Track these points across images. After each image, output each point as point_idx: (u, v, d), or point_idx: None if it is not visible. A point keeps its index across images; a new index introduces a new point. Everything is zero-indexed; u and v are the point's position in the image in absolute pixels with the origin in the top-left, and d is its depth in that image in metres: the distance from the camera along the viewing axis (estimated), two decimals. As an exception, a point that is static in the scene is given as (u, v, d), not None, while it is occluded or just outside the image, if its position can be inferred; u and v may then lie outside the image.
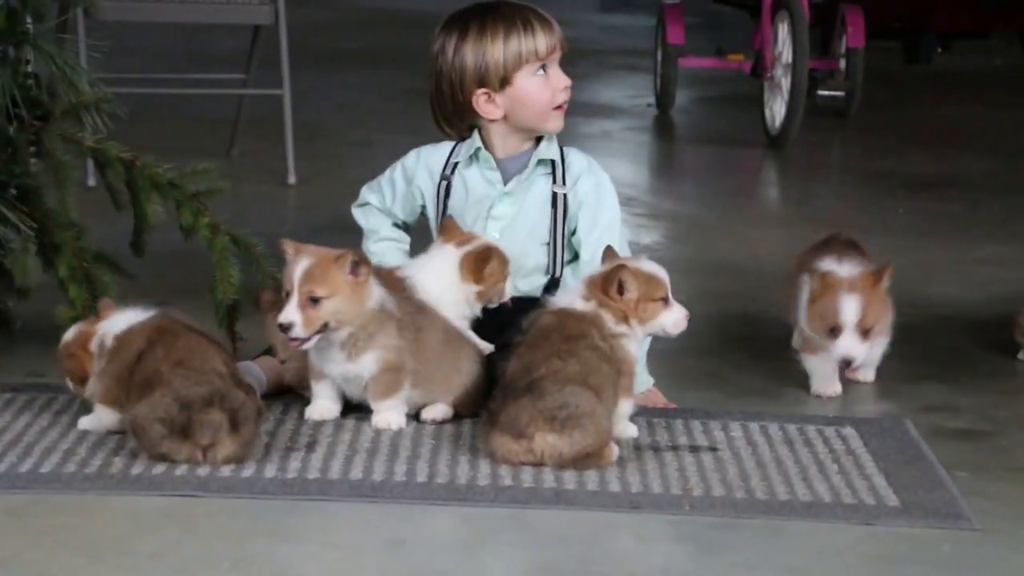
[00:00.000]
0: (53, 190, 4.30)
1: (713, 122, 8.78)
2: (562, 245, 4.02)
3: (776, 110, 7.77)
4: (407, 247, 4.17)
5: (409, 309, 3.77)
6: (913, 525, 3.32)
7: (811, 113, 7.92)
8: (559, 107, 4.01)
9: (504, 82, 3.97)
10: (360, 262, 3.65)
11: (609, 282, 3.65)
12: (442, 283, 3.88)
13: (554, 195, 4.01)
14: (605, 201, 4.03)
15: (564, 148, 4.07)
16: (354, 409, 3.79)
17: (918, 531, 3.30)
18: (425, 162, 4.10)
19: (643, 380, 3.96)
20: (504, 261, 3.91)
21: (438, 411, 3.80)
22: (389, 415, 3.73)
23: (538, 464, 3.51)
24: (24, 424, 3.71)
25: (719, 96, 9.35)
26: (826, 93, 8.51)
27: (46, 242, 4.29)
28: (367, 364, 3.70)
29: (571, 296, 3.73)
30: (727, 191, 7.04)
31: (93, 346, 3.66)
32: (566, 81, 4.02)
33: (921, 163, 7.58)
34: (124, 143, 4.33)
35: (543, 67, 3.98)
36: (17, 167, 4.29)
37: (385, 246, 4.13)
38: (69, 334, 3.72)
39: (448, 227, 3.97)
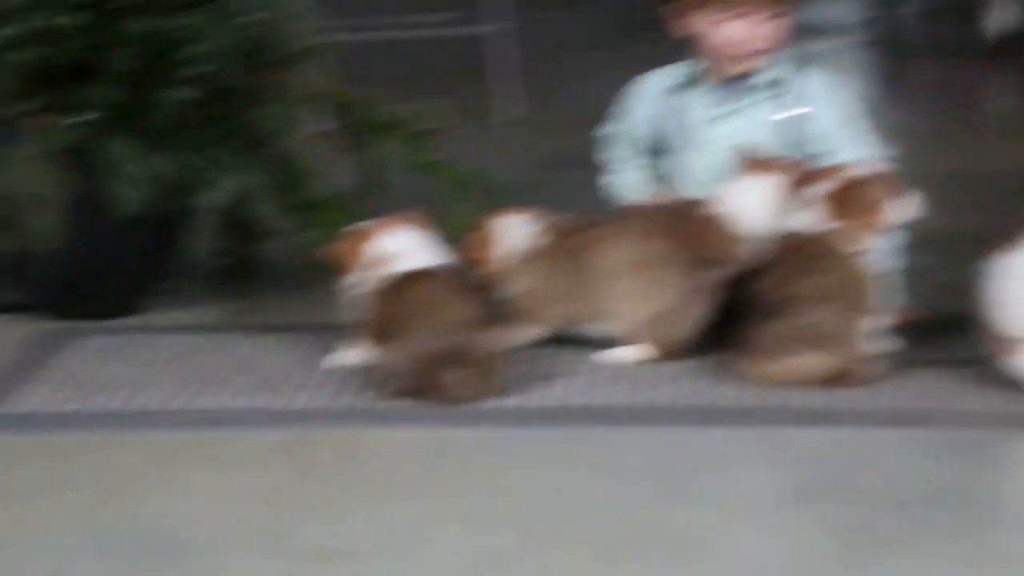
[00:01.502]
0: (282, 138, 4.36)
1: (936, 33, 8.55)
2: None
3: (1001, 17, 7.53)
4: (656, 172, 4.12)
5: None
6: None
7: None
8: (732, 55, 3.94)
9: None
10: None
11: (847, 201, 3.60)
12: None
13: (789, 118, 3.94)
14: (857, 138, 3.93)
15: (801, 71, 3.98)
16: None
17: None
18: (651, 87, 4.07)
19: (896, 297, 3.88)
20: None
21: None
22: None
23: (793, 384, 3.47)
24: (278, 363, 3.77)
25: (941, 7, 9.08)
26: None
27: (282, 187, 4.35)
28: None
29: (810, 215, 3.67)
30: (955, 102, 6.86)
31: (366, 253, 3.64)
32: (737, 37, 3.94)
33: None
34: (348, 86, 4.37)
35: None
36: (246, 115, 4.36)
37: (637, 175, 4.10)
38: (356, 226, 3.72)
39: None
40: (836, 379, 3.48)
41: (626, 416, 3.40)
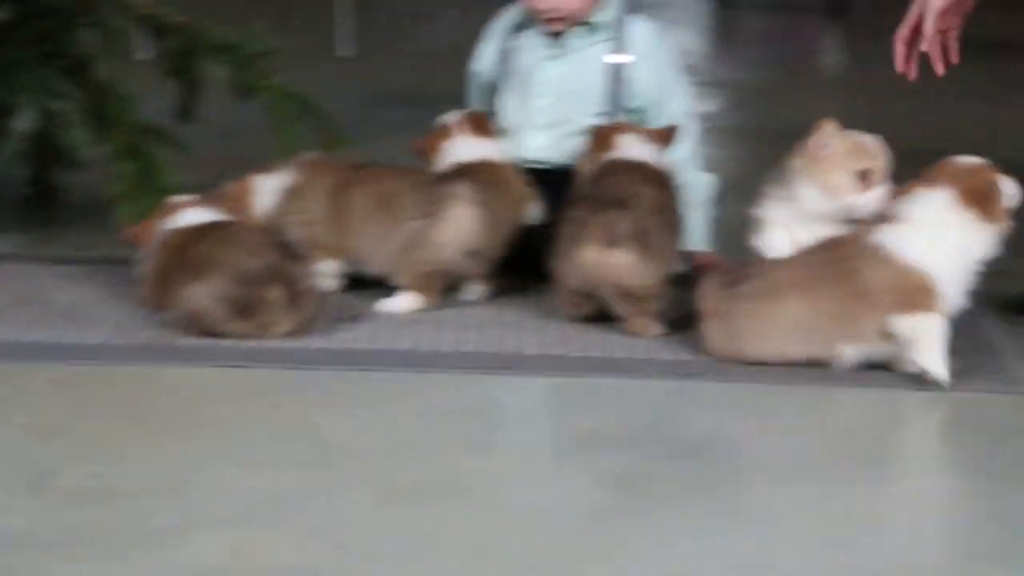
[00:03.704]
0: (104, 62, 4.28)
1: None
2: (620, 117, 3.95)
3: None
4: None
5: None
6: (966, 389, 3.28)
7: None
8: (549, 19, 3.93)
9: None
10: None
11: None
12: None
13: (612, 65, 3.95)
14: (676, 92, 3.96)
15: (630, 16, 3.98)
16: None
17: (972, 395, 3.26)
18: (499, 25, 4.06)
19: (700, 241, 3.96)
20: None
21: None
22: None
23: (609, 281, 3.50)
24: (76, 296, 3.73)
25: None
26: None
27: (97, 114, 4.28)
28: None
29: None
30: (787, 57, 6.94)
31: (158, 228, 3.65)
32: (541, 5, 3.92)
33: (988, 26, 7.41)
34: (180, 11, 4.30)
35: None
36: (67, 37, 4.27)
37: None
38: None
39: None
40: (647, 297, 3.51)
41: (411, 360, 3.39)
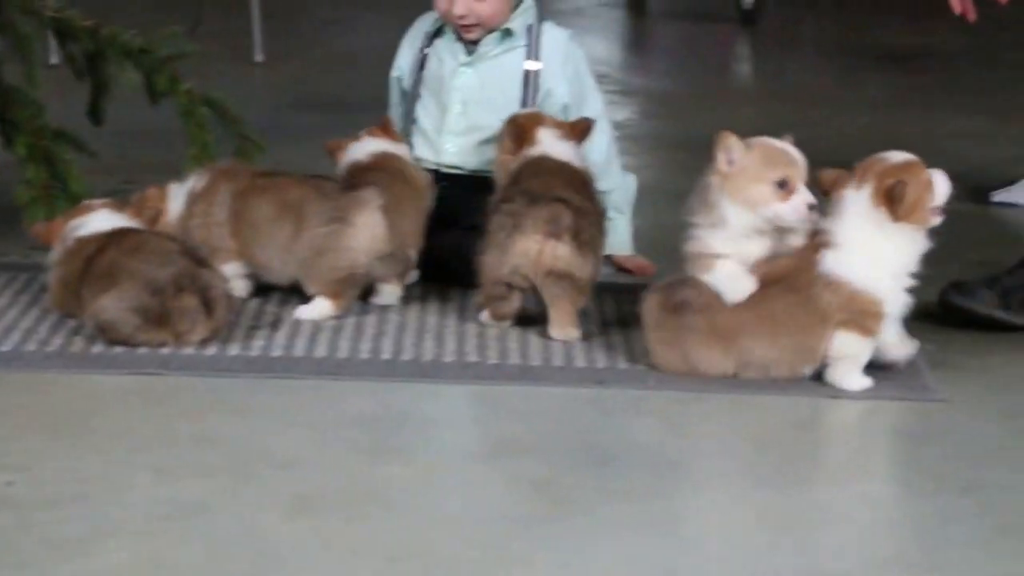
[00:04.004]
0: (12, 66, 4.23)
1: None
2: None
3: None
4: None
5: None
6: (879, 397, 3.31)
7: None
8: (462, 25, 3.94)
9: None
10: None
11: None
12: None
13: (525, 72, 3.95)
14: (588, 97, 3.96)
15: (542, 23, 3.98)
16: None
17: (884, 403, 3.29)
18: (416, 30, 4.05)
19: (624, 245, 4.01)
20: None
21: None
22: None
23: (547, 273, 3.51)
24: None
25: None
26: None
27: (6, 119, 4.23)
28: None
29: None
30: (700, 67, 6.97)
31: (66, 230, 3.62)
32: (450, 10, 3.91)
33: (897, 35, 7.51)
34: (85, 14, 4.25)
35: None
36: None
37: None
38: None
39: None
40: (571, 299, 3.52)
41: (327, 368, 3.37)
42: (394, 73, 4.08)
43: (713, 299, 3.32)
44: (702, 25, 7.84)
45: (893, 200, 3.27)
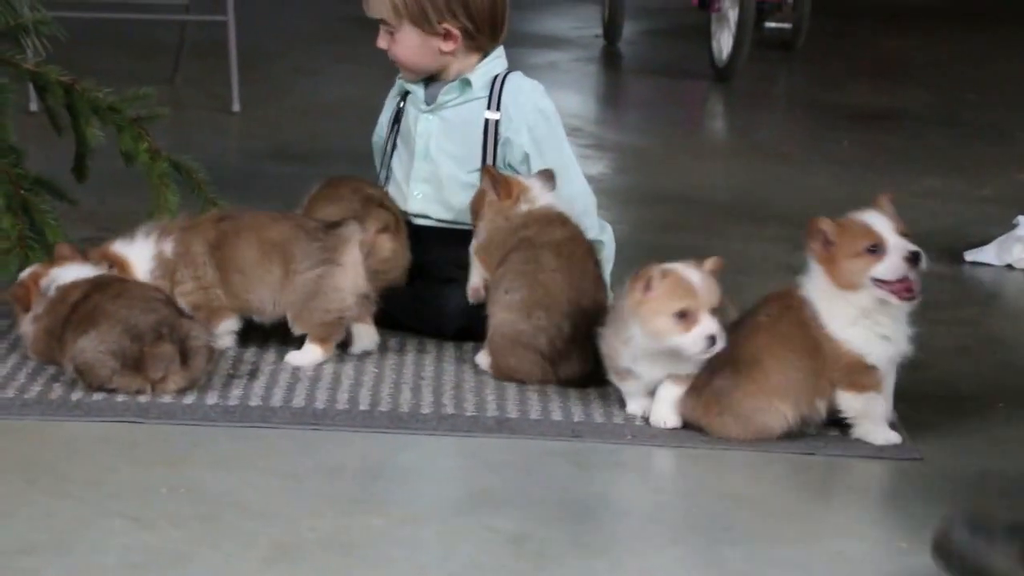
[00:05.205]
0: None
1: (660, 54, 8.75)
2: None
3: (723, 42, 7.75)
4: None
5: None
6: (853, 455, 3.33)
7: (758, 45, 7.91)
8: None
9: None
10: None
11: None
12: None
13: (485, 121, 3.96)
14: (550, 146, 3.93)
15: (508, 74, 3.98)
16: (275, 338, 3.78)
17: (857, 461, 3.32)
18: (395, 88, 4.08)
19: None
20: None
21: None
22: None
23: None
24: (-39, 350, 3.69)
25: (666, 28, 9.32)
26: (773, 25, 8.50)
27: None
28: None
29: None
30: (673, 122, 7.02)
31: (42, 285, 3.63)
32: (379, 45, 3.96)
33: (865, 95, 7.58)
34: (65, 68, 4.26)
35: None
36: (-48, 91, 4.22)
37: None
38: (28, 269, 3.71)
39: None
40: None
41: (304, 418, 3.38)
42: (374, 138, 4.12)
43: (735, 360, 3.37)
44: (676, 81, 7.90)
45: (808, 243, 3.33)
